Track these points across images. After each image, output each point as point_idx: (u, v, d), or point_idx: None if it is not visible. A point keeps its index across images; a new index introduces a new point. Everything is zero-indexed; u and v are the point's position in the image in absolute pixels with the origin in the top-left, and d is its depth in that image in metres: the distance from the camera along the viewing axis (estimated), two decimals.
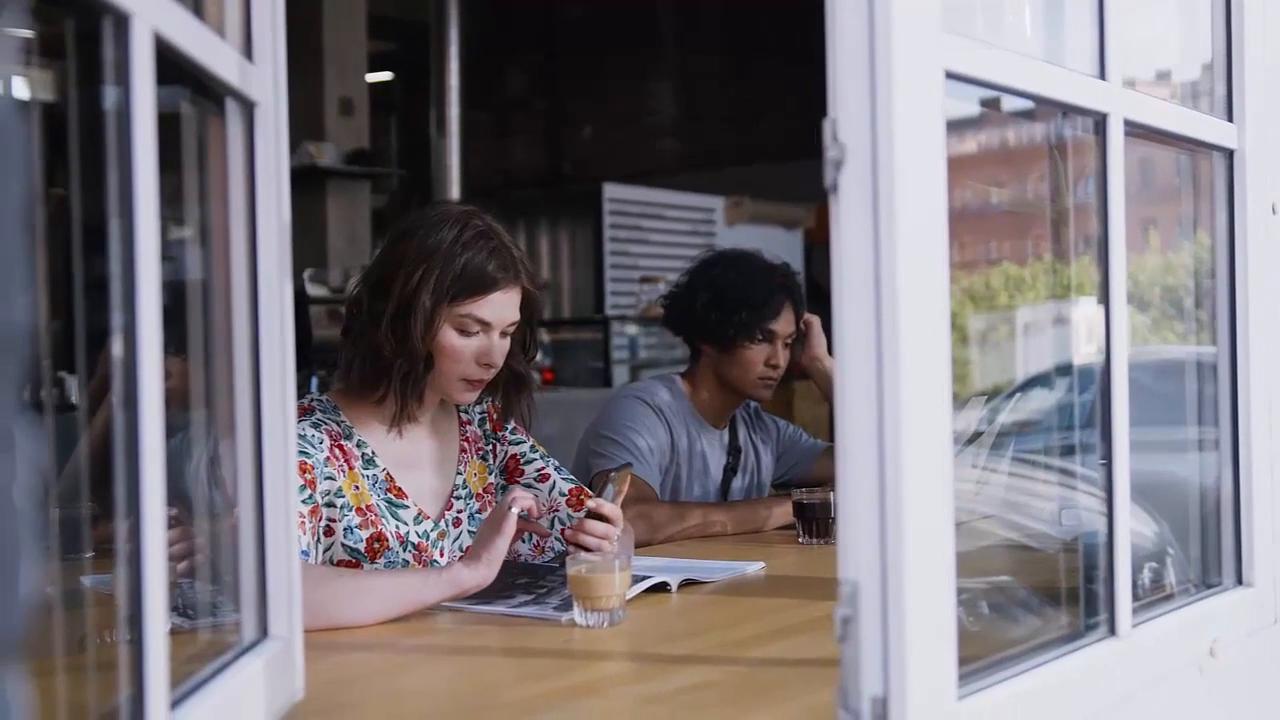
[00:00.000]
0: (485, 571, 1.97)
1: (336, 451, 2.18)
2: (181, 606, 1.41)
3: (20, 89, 0.57)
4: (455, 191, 8.67)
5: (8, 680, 0.53)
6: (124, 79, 0.98)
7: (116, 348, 1.00)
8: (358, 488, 2.19)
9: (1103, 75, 1.50)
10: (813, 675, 1.62)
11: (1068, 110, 1.55)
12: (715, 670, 1.67)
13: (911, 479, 1.16)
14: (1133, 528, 1.56)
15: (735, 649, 1.79)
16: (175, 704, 1.08)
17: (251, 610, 1.36)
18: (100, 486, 1.10)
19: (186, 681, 1.16)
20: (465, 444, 2.39)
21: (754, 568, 2.36)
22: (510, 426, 2.44)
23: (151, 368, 1.00)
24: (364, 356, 2.20)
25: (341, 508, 2.16)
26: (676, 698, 1.56)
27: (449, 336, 2.19)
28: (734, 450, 3.16)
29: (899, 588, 1.16)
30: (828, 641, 1.70)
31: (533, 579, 2.14)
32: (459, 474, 2.35)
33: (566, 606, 1.91)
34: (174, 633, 1.06)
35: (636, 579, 2.04)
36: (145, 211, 0.99)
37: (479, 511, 2.36)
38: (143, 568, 0.99)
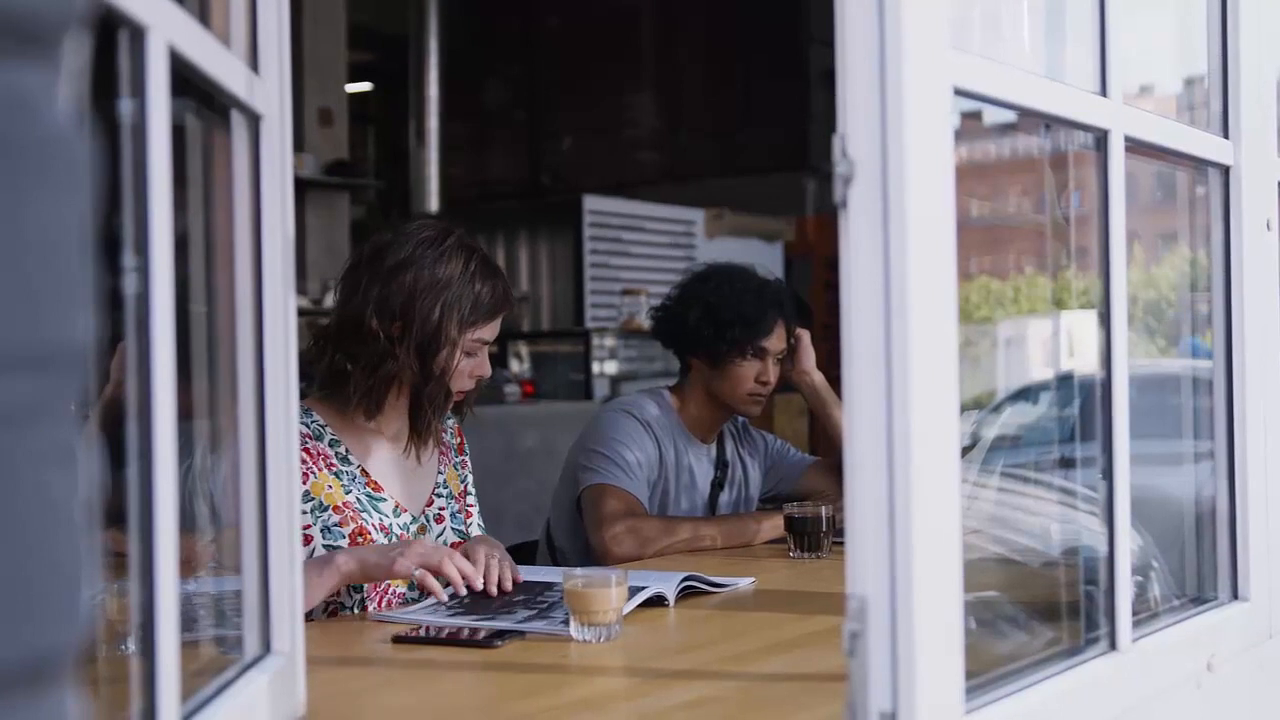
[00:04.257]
0: (354, 566, 2.06)
1: (303, 454, 2.22)
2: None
3: (83, 107, 0.57)
4: (434, 203, 8.66)
5: (67, 698, 0.53)
6: (140, 91, 0.97)
7: (129, 358, 0.99)
8: (330, 487, 2.25)
9: (1104, 91, 1.51)
10: (814, 690, 1.62)
11: (1070, 126, 1.55)
12: (714, 685, 1.67)
13: (921, 494, 1.16)
14: None
15: (733, 664, 1.79)
16: None
17: (254, 626, 1.35)
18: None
19: (192, 697, 1.15)
20: (444, 448, 2.48)
21: (745, 583, 2.36)
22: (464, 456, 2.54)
23: (165, 376, 0.99)
24: (381, 383, 2.27)
25: (313, 510, 2.21)
26: (677, 713, 1.55)
27: (460, 360, 2.30)
28: (721, 464, 3.15)
29: (908, 602, 1.16)
30: (827, 656, 1.71)
31: (530, 595, 2.13)
32: (440, 474, 2.45)
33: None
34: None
35: (633, 590, 2.04)
36: (159, 222, 0.99)
37: (458, 512, 2.45)
38: (155, 583, 0.98)
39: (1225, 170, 1.81)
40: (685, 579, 2.21)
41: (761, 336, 2.99)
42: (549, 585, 2.19)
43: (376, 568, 2.05)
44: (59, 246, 0.51)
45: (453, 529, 2.42)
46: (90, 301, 0.53)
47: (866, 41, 1.17)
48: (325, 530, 2.21)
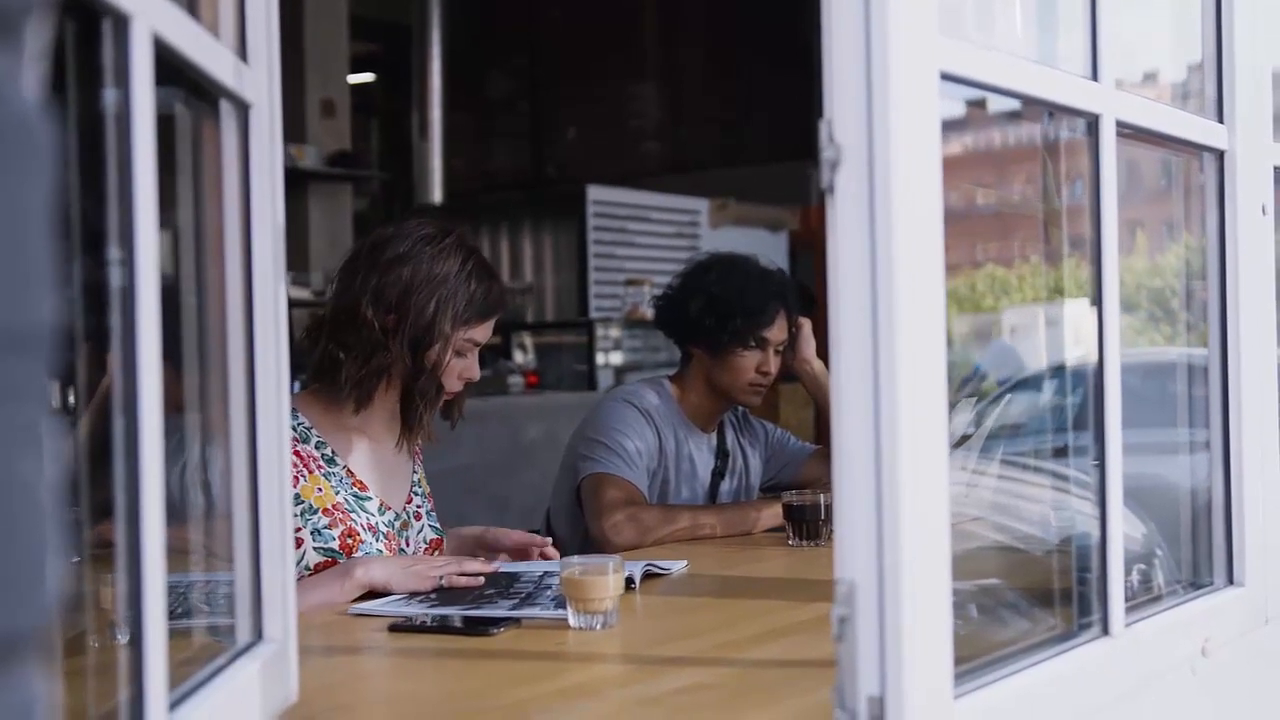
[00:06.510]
0: (379, 575, 2.13)
1: (292, 457, 2.22)
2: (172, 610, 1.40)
3: (45, 90, 0.57)
4: (437, 195, 8.66)
5: (34, 678, 0.53)
6: (123, 81, 0.97)
7: (114, 351, 0.99)
8: (320, 489, 2.27)
9: (1095, 76, 1.51)
10: (807, 676, 1.62)
11: (1061, 111, 1.55)
12: (709, 672, 1.67)
13: (908, 478, 1.16)
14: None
15: (728, 650, 1.79)
16: (173, 706, 1.08)
17: (246, 613, 1.35)
18: (92, 489, 1.09)
19: (183, 684, 1.16)
20: (418, 448, 2.50)
21: (679, 566, 2.37)
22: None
23: (150, 369, 0.99)
24: (372, 374, 2.28)
25: (304, 513, 2.23)
26: (672, 699, 1.56)
27: (451, 359, 2.32)
28: (722, 453, 3.15)
29: (896, 587, 1.16)
30: (821, 642, 1.71)
31: (501, 588, 2.14)
32: (415, 472, 2.48)
33: (562, 604, 1.91)
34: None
35: None
36: (145, 214, 0.99)
37: (430, 510, 2.49)
38: (142, 571, 0.99)
39: (1220, 155, 1.81)
40: (645, 565, 2.27)
41: (763, 327, 2.98)
42: (516, 576, 2.22)
43: (401, 584, 2.12)
44: (23, 229, 0.51)
45: (430, 526, 2.47)
46: (55, 284, 0.53)
47: (853, 26, 1.17)
48: (315, 533, 2.23)
